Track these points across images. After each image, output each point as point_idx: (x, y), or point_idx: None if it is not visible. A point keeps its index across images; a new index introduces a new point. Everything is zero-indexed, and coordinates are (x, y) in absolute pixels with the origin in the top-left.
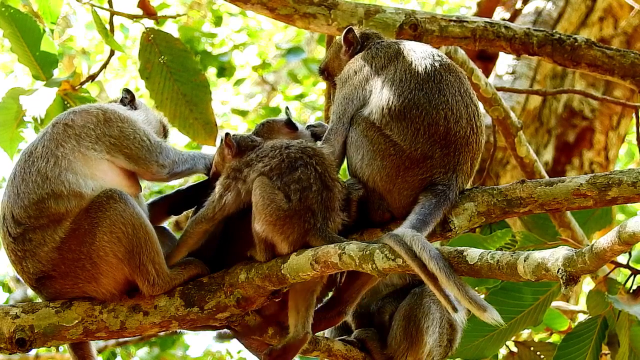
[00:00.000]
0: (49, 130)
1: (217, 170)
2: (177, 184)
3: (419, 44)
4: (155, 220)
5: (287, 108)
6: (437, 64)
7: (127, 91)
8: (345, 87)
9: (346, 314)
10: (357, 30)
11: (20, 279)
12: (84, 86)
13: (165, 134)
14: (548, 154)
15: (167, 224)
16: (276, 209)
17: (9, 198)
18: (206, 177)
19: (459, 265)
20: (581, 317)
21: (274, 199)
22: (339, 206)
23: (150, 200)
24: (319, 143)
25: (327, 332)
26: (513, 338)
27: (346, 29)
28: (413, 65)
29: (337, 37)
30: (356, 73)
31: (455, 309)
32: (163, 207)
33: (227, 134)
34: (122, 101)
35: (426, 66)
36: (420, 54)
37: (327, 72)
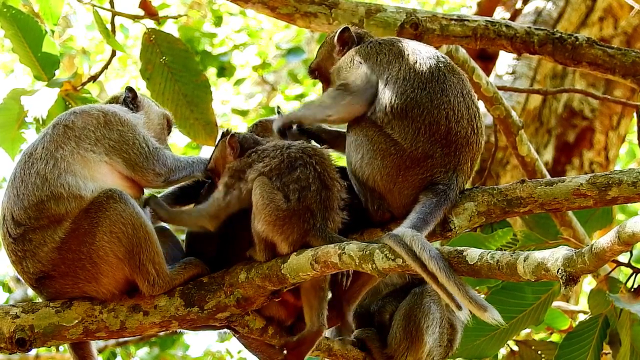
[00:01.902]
0: (49, 132)
1: (215, 167)
2: None
3: (420, 43)
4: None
5: (278, 107)
6: (440, 65)
7: (129, 89)
8: (349, 71)
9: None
10: (352, 30)
11: (21, 278)
12: (85, 86)
13: (169, 129)
14: (548, 154)
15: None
16: (275, 209)
17: (9, 199)
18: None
19: (459, 265)
20: (581, 317)
21: (273, 199)
22: (339, 205)
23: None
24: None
25: (327, 332)
26: (514, 337)
27: (341, 27)
28: (417, 64)
29: (328, 37)
30: (361, 64)
31: (459, 307)
32: (171, 197)
33: (232, 135)
34: (124, 100)
35: (430, 66)
36: (424, 54)
37: (319, 72)
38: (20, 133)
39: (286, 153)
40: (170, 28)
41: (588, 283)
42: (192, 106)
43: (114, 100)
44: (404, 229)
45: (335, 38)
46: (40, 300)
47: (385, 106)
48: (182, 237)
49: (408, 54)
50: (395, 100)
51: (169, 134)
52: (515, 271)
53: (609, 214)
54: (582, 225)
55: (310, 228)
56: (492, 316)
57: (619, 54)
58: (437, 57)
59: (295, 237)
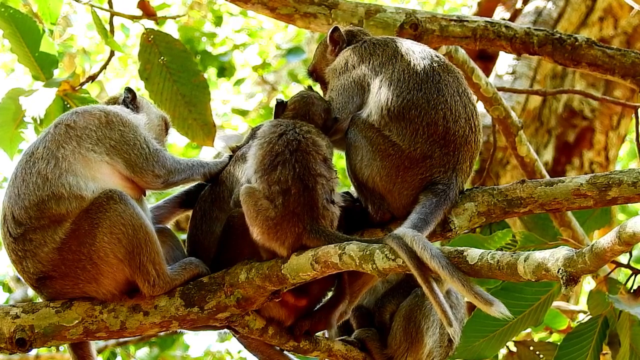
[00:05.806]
0: (50, 131)
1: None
2: None
3: (415, 43)
4: (169, 217)
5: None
6: (435, 64)
7: (128, 90)
8: (341, 78)
9: (347, 313)
10: (342, 29)
11: (21, 278)
12: (83, 86)
13: (167, 131)
14: (548, 154)
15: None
16: (265, 220)
17: (10, 198)
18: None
19: (459, 266)
20: (581, 317)
21: (260, 210)
22: (326, 199)
23: (166, 198)
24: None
25: (327, 332)
26: (513, 338)
27: (332, 28)
28: (412, 65)
29: (323, 38)
30: (354, 67)
31: (450, 324)
32: (176, 201)
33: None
34: (123, 101)
35: (425, 66)
36: (419, 54)
37: (316, 74)
38: (18, 132)
39: (274, 142)
40: (171, 28)
41: (587, 283)
42: (190, 106)
43: (113, 101)
44: (404, 229)
45: (327, 39)
46: (41, 300)
47: (382, 109)
48: (182, 237)
49: (402, 55)
50: (391, 103)
51: (166, 136)
52: (515, 271)
53: (607, 214)
54: (580, 226)
55: (301, 231)
56: (499, 310)
57: (618, 54)
58: (432, 56)
59: (291, 241)
